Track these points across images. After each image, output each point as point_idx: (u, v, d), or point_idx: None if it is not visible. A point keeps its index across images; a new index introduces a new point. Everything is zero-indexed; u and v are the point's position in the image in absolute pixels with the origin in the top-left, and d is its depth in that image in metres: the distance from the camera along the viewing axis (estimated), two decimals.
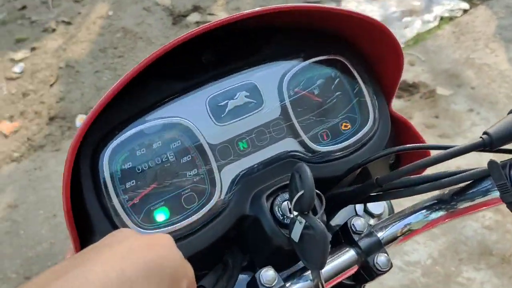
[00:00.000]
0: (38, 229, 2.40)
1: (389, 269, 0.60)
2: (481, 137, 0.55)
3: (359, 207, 0.73)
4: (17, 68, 3.20)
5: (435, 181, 0.59)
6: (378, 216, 0.73)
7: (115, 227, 0.55)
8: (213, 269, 0.59)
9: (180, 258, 0.40)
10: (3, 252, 2.32)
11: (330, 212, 0.69)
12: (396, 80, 0.71)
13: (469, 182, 0.58)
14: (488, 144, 0.55)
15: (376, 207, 0.73)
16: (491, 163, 0.54)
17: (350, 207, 0.73)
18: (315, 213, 0.55)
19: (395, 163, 0.81)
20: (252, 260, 0.65)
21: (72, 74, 3.17)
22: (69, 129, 2.91)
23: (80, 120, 2.94)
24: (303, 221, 0.54)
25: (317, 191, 0.55)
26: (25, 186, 2.64)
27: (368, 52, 0.70)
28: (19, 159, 2.81)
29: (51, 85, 3.12)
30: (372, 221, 0.73)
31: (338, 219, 0.73)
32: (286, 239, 0.57)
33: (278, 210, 0.60)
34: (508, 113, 0.57)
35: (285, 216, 0.59)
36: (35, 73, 3.19)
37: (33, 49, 3.28)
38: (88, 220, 0.56)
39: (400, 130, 0.76)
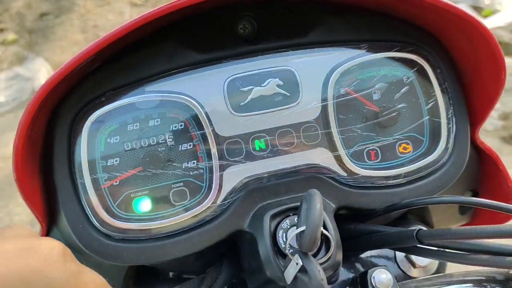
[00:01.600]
0: None
1: None
2: None
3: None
4: None
5: (496, 255, 0.42)
6: (422, 268, 0.56)
7: (82, 206, 0.47)
8: (185, 283, 0.50)
9: (62, 272, 0.33)
10: None
11: (359, 248, 0.55)
12: (492, 101, 0.52)
13: None
14: None
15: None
16: None
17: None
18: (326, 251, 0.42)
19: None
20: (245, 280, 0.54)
21: None
22: None
23: None
24: (300, 262, 0.41)
25: (324, 231, 0.42)
26: None
27: (458, 59, 0.53)
28: None
29: None
30: (412, 272, 0.57)
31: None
32: (281, 274, 0.45)
33: (283, 235, 0.47)
34: None
35: (289, 245, 0.46)
36: (158, 3, 3.24)
37: None
38: (53, 194, 0.48)
39: (487, 166, 0.58)
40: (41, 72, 3.00)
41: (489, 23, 3.08)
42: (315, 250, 0.42)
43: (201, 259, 0.51)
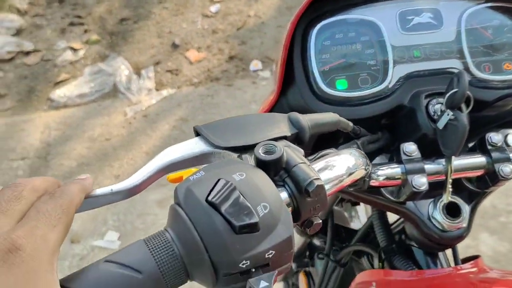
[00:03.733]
0: None
1: (510, 179, 0.71)
2: None
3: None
4: (213, 8, 3.64)
5: None
6: None
7: (308, 80, 0.76)
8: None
9: None
10: None
11: (473, 132, 0.81)
12: None
13: None
14: None
15: None
16: None
17: None
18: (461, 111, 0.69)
19: None
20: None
21: (257, 23, 3.51)
22: (243, 70, 3.27)
23: (255, 65, 3.28)
24: (451, 113, 0.68)
25: (468, 92, 0.69)
26: (197, 107, 3.06)
27: None
28: (197, 84, 3.24)
29: (238, 29, 3.50)
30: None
31: None
32: (432, 129, 0.71)
33: (431, 108, 0.74)
34: None
35: (435, 114, 0.74)
36: (227, 15, 3.59)
37: None
38: (292, 74, 0.77)
39: None
40: (121, 69, 3.36)
41: None
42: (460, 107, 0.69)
43: (372, 124, 0.79)
